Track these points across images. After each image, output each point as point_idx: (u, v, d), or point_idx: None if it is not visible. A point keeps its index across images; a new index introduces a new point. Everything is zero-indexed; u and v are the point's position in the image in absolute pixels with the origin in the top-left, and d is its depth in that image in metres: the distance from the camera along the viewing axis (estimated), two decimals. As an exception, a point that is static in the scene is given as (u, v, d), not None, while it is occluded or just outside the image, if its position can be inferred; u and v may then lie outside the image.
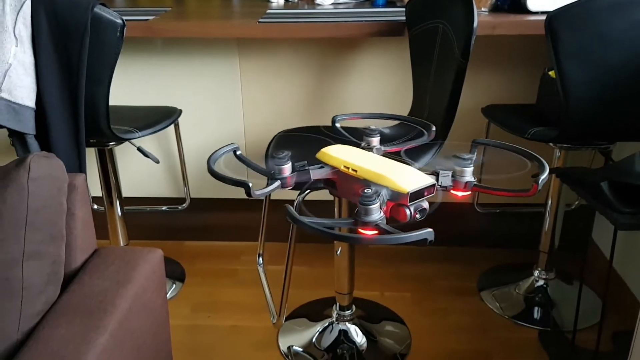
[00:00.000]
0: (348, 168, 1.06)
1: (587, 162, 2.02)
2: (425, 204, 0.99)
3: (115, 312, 0.96)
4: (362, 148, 1.21)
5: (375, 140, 1.24)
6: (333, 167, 1.10)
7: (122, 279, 1.04)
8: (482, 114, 1.88)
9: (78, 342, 0.88)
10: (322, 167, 1.11)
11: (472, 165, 1.09)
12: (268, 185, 1.07)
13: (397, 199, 0.96)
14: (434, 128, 1.31)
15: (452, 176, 1.07)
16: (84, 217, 1.11)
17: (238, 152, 1.21)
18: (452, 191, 1.09)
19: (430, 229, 0.89)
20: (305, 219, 0.93)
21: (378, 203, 0.92)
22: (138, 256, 1.11)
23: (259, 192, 1.05)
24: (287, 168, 1.09)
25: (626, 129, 1.55)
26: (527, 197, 1.12)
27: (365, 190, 0.94)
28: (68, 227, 1.07)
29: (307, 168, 1.09)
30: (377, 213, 0.92)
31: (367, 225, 0.92)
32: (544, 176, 1.05)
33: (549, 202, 1.88)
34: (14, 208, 0.93)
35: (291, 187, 1.11)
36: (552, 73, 1.69)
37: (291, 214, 0.94)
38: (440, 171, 1.08)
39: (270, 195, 1.70)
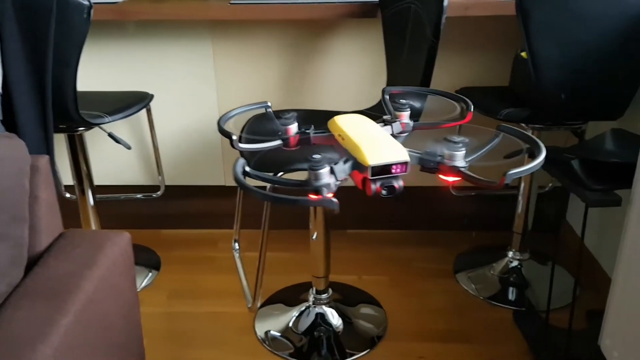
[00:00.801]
0: (340, 136, 1.06)
1: (561, 143, 2.04)
2: (398, 182, 0.96)
3: (80, 294, 0.94)
4: (385, 121, 1.18)
5: (405, 115, 1.18)
6: (332, 134, 1.09)
7: (87, 261, 1.02)
8: (457, 96, 1.88)
9: (41, 324, 0.86)
10: (324, 132, 1.10)
11: (463, 149, 1.04)
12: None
13: (363, 171, 0.95)
14: (472, 108, 1.28)
15: (440, 159, 1.03)
16: (49, 199, 1.09)
17: (269, 109, 1.23)
18: (439, 175, 1.06)
19: (335, 200, 0.87)
20: (240, 168, 0.94)
21: (327, 168, 0.92)
22: (104, 239, 1.09)
23: (243, 145, 1.04)
24: (292, 128, 1.08)
25: (596, 108, 1.57)
26: (496, 188, 1.09)
27: (314, 155, 0.94)
28: (32, 209, 1.05)
29: (309, 131, 1.09)
30: (325, 178, 0.92)
31: (316, 190, 0.91)
32: (515, 170, 1.00)
33: (522, 184, 1.89)
34: (-28, 188, 0.91)
35: (295, 147, 1.10)
36: (524, 54, 1.69)
37: (235, 170, 0.94)
38: (425, 153, 1.05)
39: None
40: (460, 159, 1.04)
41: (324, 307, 1.78)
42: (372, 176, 0.94)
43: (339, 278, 2.00)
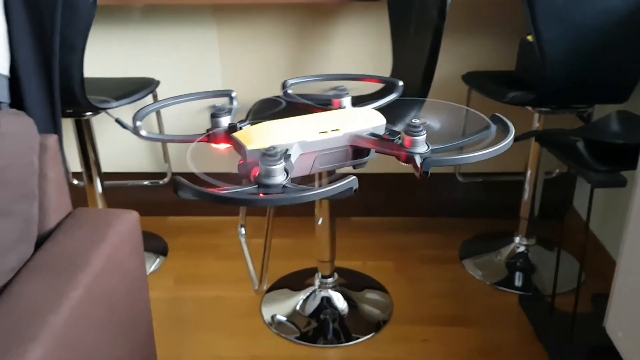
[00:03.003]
0: None
1: (567, 127, 2.03)
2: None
3: (88, 269, 0.95)
4: (392, 132, 1.05)
5: (413, 141, 0.98)
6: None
7: (96, 238, 1.03)
8: (463, 81, 1.88)
9: (51, 296, 0.88)
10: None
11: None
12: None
13: None
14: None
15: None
16: (57, 178, 1.10)
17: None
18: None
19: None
20: None
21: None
22: (113, 217, 1.10)
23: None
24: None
25: (602, 91, 1.56)
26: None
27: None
28: (41, 188, 1.06)
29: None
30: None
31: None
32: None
33: (529, 170, 1.89)
34: (-18, 164, 0.92)
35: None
36: (530, 38, 1.69)
37: None
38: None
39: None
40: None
41: (329, 290, 1.79)
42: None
43: (344, 264, 2.01)
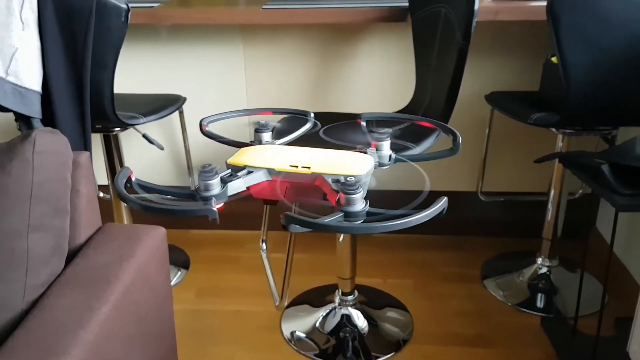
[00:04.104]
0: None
1: (592, 149, 2.02)
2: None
3: (118, 284, 0.98)
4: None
5: (385, 145, 1.19)
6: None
7: (125, 253, 1.05)
8: (486, 101, 1.89)
9: (81, 311, 0.90)
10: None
11: (358, 192, 0.95)
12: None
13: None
14: (460, 140, 1.26)
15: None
16: (88, 194, 1.13)
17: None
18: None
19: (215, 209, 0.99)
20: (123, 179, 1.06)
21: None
22: (141, 232, 1.13)
23: (208, 132, 1.23)
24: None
25: (627, 112, 1.55)
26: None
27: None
28: (72, 203, 1.09)
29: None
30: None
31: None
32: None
33: (552, 191, 1.88)
34: (19, 181, 0.95)
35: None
36: (554, 59, 1.69)
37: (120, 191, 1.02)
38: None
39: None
40: (358, 203, 0.96)
41: (349, 308, 1.80)
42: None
43: (364, 281, 2.01)
